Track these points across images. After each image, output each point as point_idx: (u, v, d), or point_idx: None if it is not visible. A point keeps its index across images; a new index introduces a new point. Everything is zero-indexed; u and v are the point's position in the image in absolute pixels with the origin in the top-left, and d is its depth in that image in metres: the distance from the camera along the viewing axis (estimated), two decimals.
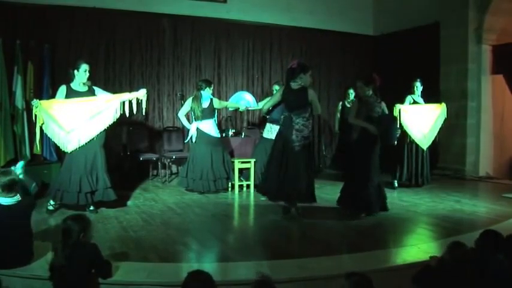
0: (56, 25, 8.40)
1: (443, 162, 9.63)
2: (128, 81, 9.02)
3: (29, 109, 7.36)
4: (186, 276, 2.73)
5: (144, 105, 6.11)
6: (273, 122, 7.62)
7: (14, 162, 7.38)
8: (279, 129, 6.18)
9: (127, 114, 6.02)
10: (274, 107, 6.79)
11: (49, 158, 7.85)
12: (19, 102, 7.56)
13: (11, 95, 7.54)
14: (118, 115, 5.98)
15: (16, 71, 7.61)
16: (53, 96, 6.77)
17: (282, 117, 6.10)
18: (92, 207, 6.03)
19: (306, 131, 5.90)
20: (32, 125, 6.29)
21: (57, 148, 7.20)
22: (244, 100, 8.29)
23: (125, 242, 4.85)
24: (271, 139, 7.87)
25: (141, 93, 6.09)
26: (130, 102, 6.03)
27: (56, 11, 8.33)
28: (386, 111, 6.08)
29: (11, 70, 7.59)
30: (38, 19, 8.20)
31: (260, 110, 9.06)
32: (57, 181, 6.03)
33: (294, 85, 5.97)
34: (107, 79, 8.87)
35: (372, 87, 6.01)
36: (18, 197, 3.91)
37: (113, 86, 8.62)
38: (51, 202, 6.02)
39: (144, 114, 6.42)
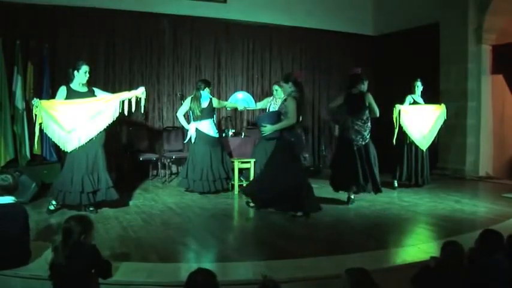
0: (55, 25, 8.40)
1: (443, 162, 9.63)
2: (127, 81, 9.01)
3: (29, 109, 7.38)
4: (192, 271, 2.78)
5: (143, 103, 6.13)
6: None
7: (14, 162, 7.42)
8: (341, 131, 6.79)
9: (126, 113, 6.04)
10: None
11: (49, 158, 7.85)
12: (19, 102, 7.57)
13: (11, 95, 7.54)
14: (118, 114, 6.00)
15: (16, 71, 7.61)
16: (53, 96, 6.77)
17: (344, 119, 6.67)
18: (91, 208, 6.03)
19: (363, 131, 6.50)
20: (32, 125, 6.30)
21: (57, 148, 7.20)
22: (239, 100, 8.30)
23: (124, 242, 4.85)
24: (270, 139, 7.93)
25: (140, 91, 6.13)
26: (129, 100, 6.06)
27: (55, 11, 8.32)
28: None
29: (11, 70, 7.59)
30: (37, 19, 8.19)
31: (260, 109, 9.05)
32: (59, 182, 6.01)
33: (354, 90, 6.59)
34: (106, 79, 8.87)
35: (292, 84, 6.09)
36: (13, 198, 3.94)
37: (113, 86, 8.62)
38: (53, 202, 6.02)
39: (143, 112, 6.46)
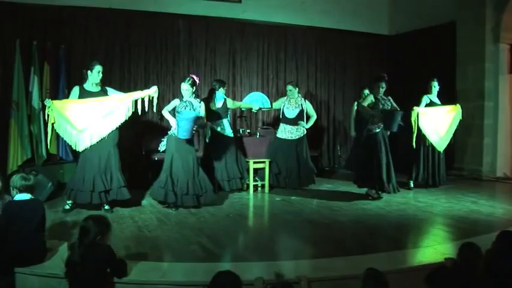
0: (72, 26, 8.47)
1: (460, 162, 9.53)
2: (143, 82, 9.04)
3: (44, 109, 7.45)
4: (217, 273, 2.83)
5: (155, 102, 6.15)
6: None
7: (31, 161, 7.50)
8: (377, 131, 7.05)
9: (139, 112, 6.08)
10: None
11: (65, 158, 7.92)
12: (35, 102, 7.64)
13: (27, 95, 7.63)
14: (130, 113, 6.04)
15: (32, 72, 7.69)
16: (68, 96, 6.83)
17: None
18: (107, 207, 6.08)
19: None
20: (47, 124, 6.39)
21: (72, 148, 7.27)
22: (254, 101, 8.31)
23: (139, 241, 4.86)
24: (285, 139, 7.94)
25: (153, 91, 6.15)
26: (142, 100, 6.09)
27: (71, 12, 8.39)
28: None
29: (28, 71, 7.68)
30: (54, 20, 8.28)
31: (275, 110, 9.05)
32: (71, 181, 6.09)
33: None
34: (122, 79, 8.92)
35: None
36: (30, 196, 4.06)
37: (128, 86, 8.65)
38: (68, 202, 6.08)
39: (156, 111, 6.50)
